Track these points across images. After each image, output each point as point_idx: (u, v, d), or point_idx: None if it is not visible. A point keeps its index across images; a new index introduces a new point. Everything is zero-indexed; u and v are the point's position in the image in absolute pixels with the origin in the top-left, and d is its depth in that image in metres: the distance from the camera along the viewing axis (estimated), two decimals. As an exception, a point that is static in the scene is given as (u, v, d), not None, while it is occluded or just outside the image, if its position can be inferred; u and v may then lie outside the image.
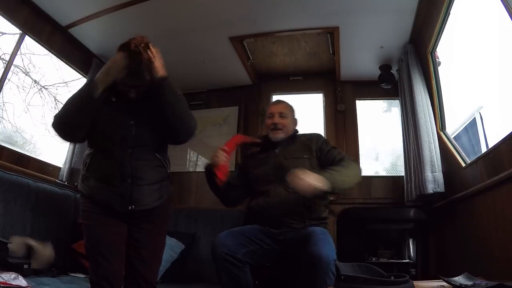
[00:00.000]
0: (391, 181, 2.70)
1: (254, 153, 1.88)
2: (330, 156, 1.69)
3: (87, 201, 1.33)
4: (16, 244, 1.63)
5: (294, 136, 1.82)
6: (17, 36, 2.19)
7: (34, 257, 1.66)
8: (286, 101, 1.91)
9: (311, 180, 1.40)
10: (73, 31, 2.45)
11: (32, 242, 1.69)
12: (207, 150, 3.15)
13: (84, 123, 1.27)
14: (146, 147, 1.34)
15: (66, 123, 1.28)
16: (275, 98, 3.20)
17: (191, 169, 3.07)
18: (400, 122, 2.66)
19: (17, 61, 2.55)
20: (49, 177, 2.31)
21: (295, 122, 1.87)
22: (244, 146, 2.07)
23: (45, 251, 1.71)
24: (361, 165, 1.67)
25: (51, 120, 1.29)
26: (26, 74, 2.85)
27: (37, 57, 2.77)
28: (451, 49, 2.46)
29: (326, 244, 1.38)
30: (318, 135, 1.82)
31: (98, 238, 1.28)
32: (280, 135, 1.76)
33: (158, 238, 1.40)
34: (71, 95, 1.31)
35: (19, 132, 2.77)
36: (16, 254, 1.60)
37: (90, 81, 1.25)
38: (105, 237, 1.28)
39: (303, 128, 1.93)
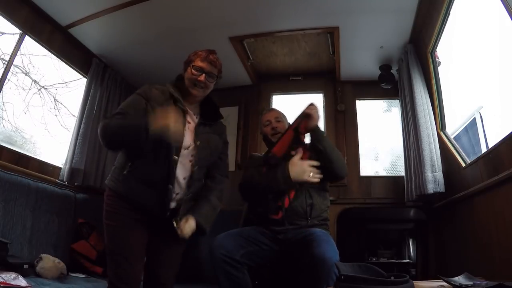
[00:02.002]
0: (391, 181, 2.70)
1: (258, 157, 1.92)
2: None
3: (115, 202, 1.33)
4: (47, 265, 1.63)
5: None
6: (17, 36, 2.19)
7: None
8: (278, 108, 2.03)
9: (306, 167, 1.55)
10: (73, 31, 2.45)
11: (62, 265, 1.70)
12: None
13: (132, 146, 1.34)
14: (203, 169, 1.46)
15: (113, 141, 1.34)
16: (275, 98, 3.21)
17: (191, 169, 3.07)
18: (400, 122, 2.66)
19: (17, 61, 2.55)
20: (49, 177, 2.30)
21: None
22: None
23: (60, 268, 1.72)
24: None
25: (101, 126, 1.32)
26: (26, 74, 2.85)
27: (37, 57, 2.78)
28: (451, 49, 2.46)
29: (330, 246, 1.40)
30: None
31: (122, 240, 1.30)
32: None
33: (178, 246, 1.45)
34: (124, 120, 1.31)
35: (18, 132, 2.77)
36: (45, 276, 1.60)
37: (146, 126, 1.27)
38: (130, 240, 1.30)
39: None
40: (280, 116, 1.92)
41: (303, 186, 1.62)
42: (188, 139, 1.40)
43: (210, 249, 1.49)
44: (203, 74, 1.44)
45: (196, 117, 1.49)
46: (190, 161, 1.40)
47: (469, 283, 1.07)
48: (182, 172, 1.38)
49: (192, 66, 1.44)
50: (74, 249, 2.05)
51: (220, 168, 1.54)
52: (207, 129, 1.48)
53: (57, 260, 1.70)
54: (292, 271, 1.55)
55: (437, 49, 2.27)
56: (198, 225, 1.36)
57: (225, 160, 1.60)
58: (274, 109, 2.01)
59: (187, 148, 1.40)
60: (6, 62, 2.22)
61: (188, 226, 1.33)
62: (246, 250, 1.51)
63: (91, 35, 2.53)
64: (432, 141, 2.16)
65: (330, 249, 1.37)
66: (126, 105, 1.39)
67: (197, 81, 1.43)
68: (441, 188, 2.07)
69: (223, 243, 1.49)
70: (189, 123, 1.44)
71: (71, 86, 3.03)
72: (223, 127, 1.61)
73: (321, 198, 1.69)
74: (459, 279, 1.11)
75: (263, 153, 1.91)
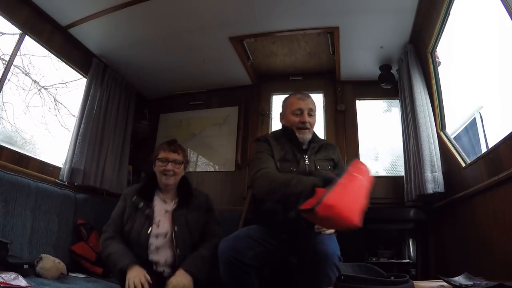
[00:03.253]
0: (391, 181, 2.70)
1: (280, 148, 1.63)
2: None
3: None
4: (47, 265, 1.63)
5: (315, 138, 1.70)
6: (17, 36, 2.19)
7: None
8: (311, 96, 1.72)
9: None
10: (73, 31, 2.45)
11: (62, 265, 1.69)
12: (206, 150, 3.16)
13: None
14: (187, 249, 1.59)
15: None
16: (275, 98, 3.21)
17: (191, 169, 3.07)
18: (400, 122, 2.65)
19: (17, 61, 2.55)
20: (49, 177, 2.30)
21: None
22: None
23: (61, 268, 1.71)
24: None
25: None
26: (26, 75, 2.85)
27: (37, 57, 2.78)
28: (451, 49, 2.46)
29: (332, 242, 1.43)
30: (336, 147, 1.76)
31: None
32: (307, 136, 1.64)
33: None
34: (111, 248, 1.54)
35: (18, 132, 2.77)
36: (45, 276, 1.59)
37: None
38: None
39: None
40: (314, 109, 1.64)
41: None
42: (166, 226, 1.58)
43: (219, 251, 1.44)
44: (169, 163, 1.64)
45: (174, 203, 1.66)
46: (171, 248, 1.55)
47: (469, 283, 1.07)
48: (162, 257, 1.55)
49: (158, 159, 1.65)
50: (73, 250, 2.05)
51: (209, 230, 1.68)
52: (184, 211, 1.63)
53: (57, 260, 1.69)
54: (293, 269, 1.54)
55: (437, 49, 2.27)
56: (189, 274, 1.48)
57: (213, 223, 1.72)
58: (309, 97, 1.67)
59: (165, 236, 1.56)
60: (6, 62, 2.21)
61: (176, 281, 1.44)
62: (255, 252, 1.46)
63: (91, 35, 2.53)
64: (432, 141, 2.16)
65: (332, 245, 1.40)
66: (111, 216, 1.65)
67: (165, 171, 1.63)
68: (440, 188, 2.07)
69: (233, 245, 1.43)
70: (166, 211, 1.63)
71: (71, 86, 3.03)
72: (202, 199, 1.75)
73: None
74: (459, 279, 1.11)
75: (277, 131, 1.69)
